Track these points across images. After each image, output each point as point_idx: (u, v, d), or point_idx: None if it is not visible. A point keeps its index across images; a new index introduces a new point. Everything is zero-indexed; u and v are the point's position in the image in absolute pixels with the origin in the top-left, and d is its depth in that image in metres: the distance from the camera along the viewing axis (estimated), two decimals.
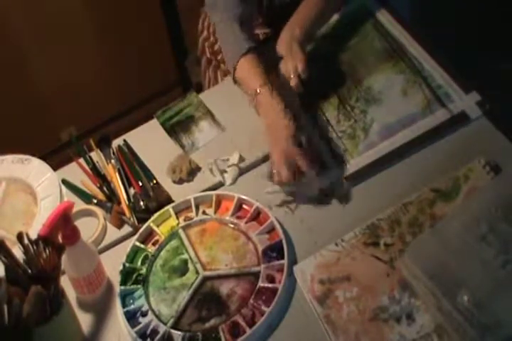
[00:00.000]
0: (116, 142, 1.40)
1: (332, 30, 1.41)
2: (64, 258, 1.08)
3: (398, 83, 1.29)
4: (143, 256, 1.21)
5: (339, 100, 1.31)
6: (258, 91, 1.24)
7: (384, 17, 1.40)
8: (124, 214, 1.26)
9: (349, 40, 1.39)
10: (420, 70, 1.30)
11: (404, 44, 1.34)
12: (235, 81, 1.33)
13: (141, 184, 1.31)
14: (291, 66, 1.26)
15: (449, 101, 1.25)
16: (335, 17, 1.44)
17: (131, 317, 1.13)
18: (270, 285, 1.10)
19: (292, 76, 1.25)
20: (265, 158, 1.29)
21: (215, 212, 1.24)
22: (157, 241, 1.22)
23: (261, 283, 1.11)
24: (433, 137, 1.22)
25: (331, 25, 1.42)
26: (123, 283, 1.17)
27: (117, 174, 1.33)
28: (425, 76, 1.29)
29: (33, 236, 1.04)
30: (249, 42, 1.30)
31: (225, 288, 1.13)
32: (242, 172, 1.29)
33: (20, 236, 1.02)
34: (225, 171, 1.29)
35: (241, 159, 1.29)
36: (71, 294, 1.16)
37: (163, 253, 1.21)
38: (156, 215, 1.24)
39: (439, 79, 1.28)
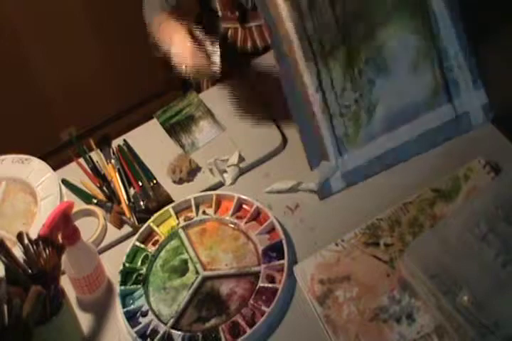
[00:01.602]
0: (116, 142, 1.40)
1: None
2: (64, 258, 1.08)
3: (411, 48, 1.19)
4: (143, 256, 1.21)
5: (347, 53, 1.18)
6: (160, 22, 1.36)
7: None
8: (124, 214, 1.26)
9: None
10: (436, 34, 1.20)
11: None
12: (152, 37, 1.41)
13: (141, 184, 1.31)
14: None
15: (456, 94, 1.22)
16: None
17: (131, 317, 1.13)
18: (270, 285, 1.10)
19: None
20: (265, 158, 1.30)
21: (215, 212, 1.24)
22: (157, 241, 1.22)
23: (261, 283, 1.11)
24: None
25: None
26: (123, 283, 1.17)
27: (117, 174, 1.33)
28: (439, 48, 1.20)
29: (33, 236, 1.04)
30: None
31: (225, 288, 1.13)
32: (242, 172, 1.29)
33: (20, 236, 1.02)
34: (225, 171, 1.29)
35: (241, 159, 1.29)
36: (71, 294, 1.16)
37: (163, 253, 1.21)
38: (156, 215, 1.24)
39: (452, 58, 1.21)
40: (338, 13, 1.17)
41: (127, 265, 1.19)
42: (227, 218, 1.22)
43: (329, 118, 1.19)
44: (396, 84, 1.21)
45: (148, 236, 1.24)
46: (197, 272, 1.16)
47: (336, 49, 1.17)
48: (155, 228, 1.23)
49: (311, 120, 1.19)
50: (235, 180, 1.28)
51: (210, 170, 1.29)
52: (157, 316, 1.12)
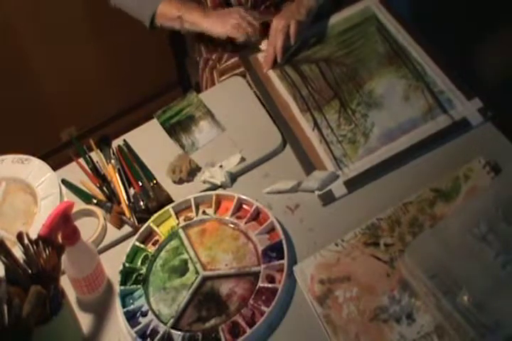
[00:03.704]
0: (116, 142, 1.40)
1: (335, 33, 1.42)
2: (64, 258, 1.08)
3: (400, 88, 1.30)
4: (143, 256, 1.21)
5: (340, 103, 1.30)
6: (179, 13, 1.43)
7: (388, 21, 1.40)
8: (124, 214, 1.26)
9: (352, 44, 1.39)
10: (423, 75, 1.30)
11: (407, 48, 1.35)
12: (154, 27, 1.49)
13: (141, 184, 1.31)
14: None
15: (450, 107, 1.25)
16: (339, 19, 1.44)
17: (131, 317, 1.13)
18: (270, 285, 1.10)
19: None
20: (265, 158, 1.30)
21: (215, 212, 1.24)
22: (157, 241, 1.22)
23: (261, 283, 1.11)
24: (433, 143, 1.22)
25: (335, 28, 1.42)
26: (123, 283, 1.17)
27: (117, 174, 1.33)
28: (427, 81, 1.29)
29: (33, 236, 1.04)
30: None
31: (225, 288, 1.13)
32: (242, 172, 1.29)
33: (20, 236, 1.02)
34: (225, 172, 1.28)
35: (241, 159, 1.29)
36: (71, 294, 1.16)
37: (163, 253, 1.21)
38: (156, 215, 1.24)
39: (441, 85, 1.28)
40: (328, 78, 1.36)
41: (127, 265, 1.19)
42: (227, 218, 1.22)
43: (327, 146, 1.26)
44: (389, 113, 1.27)
45: (148, 236, 1.24)
46: (197, 272, 1.16)
47: (328, 102, 1.32)
48: (155, 228, 1.23)
49: (308, 149, 1.27)
50: (231, 181, 1.28)
51: (204, 180, 1.29)
52: (157, 316, 1.12)
